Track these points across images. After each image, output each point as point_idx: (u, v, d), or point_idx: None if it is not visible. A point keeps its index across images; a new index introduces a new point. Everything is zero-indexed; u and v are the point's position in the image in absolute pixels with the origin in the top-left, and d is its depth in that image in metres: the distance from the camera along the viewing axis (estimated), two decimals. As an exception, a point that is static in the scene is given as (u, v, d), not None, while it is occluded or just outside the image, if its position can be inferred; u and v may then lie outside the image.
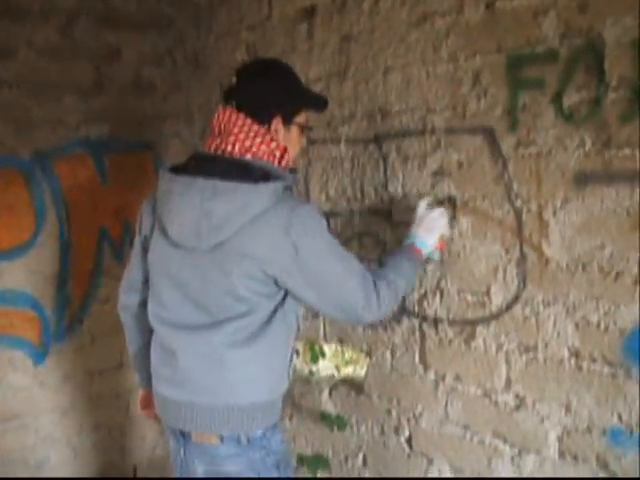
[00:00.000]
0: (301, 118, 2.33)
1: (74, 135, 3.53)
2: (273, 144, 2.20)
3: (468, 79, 2.57)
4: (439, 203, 2.63)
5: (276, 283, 2.18)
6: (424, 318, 2.85)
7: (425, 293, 2.83)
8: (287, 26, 3.29)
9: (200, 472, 2.28)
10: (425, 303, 2.83)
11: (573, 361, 2.43)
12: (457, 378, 2.78)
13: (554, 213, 2.38)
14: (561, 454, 2.51)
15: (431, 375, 2.87)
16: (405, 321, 2.93)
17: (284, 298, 2.26)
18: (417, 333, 2.89)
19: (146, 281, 2.44)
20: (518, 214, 2.48)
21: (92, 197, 3.59)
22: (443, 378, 2.83)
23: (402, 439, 3.04)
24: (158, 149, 3.82)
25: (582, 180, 2.30)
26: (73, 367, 3.62)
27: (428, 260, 2.62)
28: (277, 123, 2.23)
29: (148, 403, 2.66)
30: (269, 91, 2.23)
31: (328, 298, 2.20)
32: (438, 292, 2.79)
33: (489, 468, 2.74)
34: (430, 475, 2.94)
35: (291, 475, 2.40)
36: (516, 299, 2.55)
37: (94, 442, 3.73)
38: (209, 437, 2.23)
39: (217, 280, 2.15)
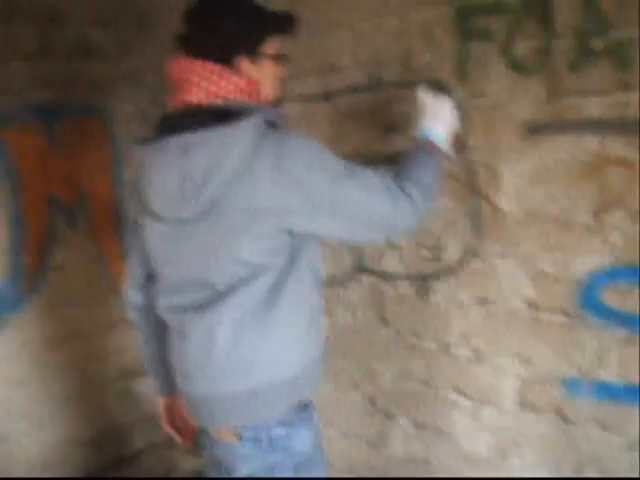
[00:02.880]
0: (269, 48, 1.98)
1: (22, 101, 3.44)
2: (236, 79, 1.89)
3: (417, 32, 2.54)
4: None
5: (291, 233, 1.86)
6: (381, 274, 2.84)
7: (382, 249, 2.81)
8: (235, -17, 3.22)
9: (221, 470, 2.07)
10: (382, 259, 2.82)
11: (529, 313, 2.44)
12: (414, 333, 2.78)
13: (506, 165, 2.37)
14: (519, 405, 2.53)
15: (390, 331, 2.86)
16: (362, 278, 2.92)
17: (297, 249, 1.93)
18: (375, 290, 2.88)
19: (150, 276, 2.16)
20: (471, 167, 2.46)
21: (42, 164, 3.51)
22: (400, 333, 2.83)
23: (363, 396, 3.05)
24: (108, 113, 3.74)
25: (533, 130, 2.30)
26: (30, 337, 3.56)
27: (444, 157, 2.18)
28: (242, 63, 1.91)
29: (172, 415, 2.38)
30: (224, 30, 1.90)
31: (356, 224, 1.89)
32: (395, 248, 2.78)
33: (449, 422, 2.76)
34: (390, 430, 2.96)
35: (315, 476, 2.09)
36: (471, 252, 2.55)
37: (52, 412, 3.68)
38: (226, 434, 1.98)
39: (216, 247, 1.86)
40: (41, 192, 3.52)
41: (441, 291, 2.67)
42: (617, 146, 2.15)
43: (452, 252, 2.60)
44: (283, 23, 2.04)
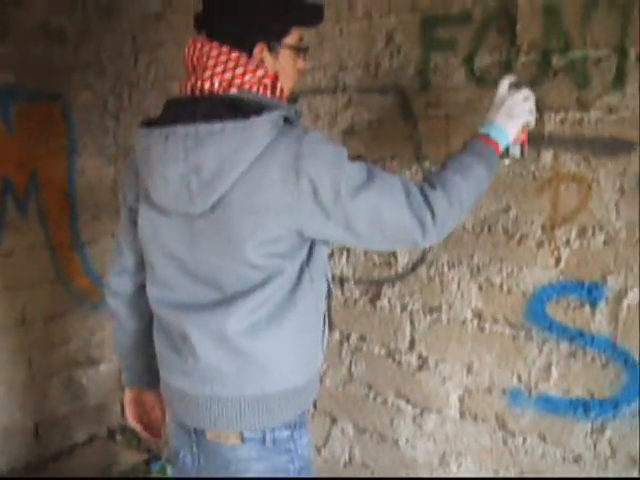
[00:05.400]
0: (292, 39, 1.84)
1: (-23, 82, 3.40)
2: (260, 72, 1.76)
3: (382, 38, 2.55)
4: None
5: (301, 236, 1.76)
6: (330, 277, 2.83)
7: (332, 252, 2.81)
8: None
9: (211, 475, 1.94)
10: (331, 262, 2.82)
11: (476, 322, 2.46)
12: (362, 338, 2.79)
13: (462, 175, 2.39)
14: (462, 414, 2.56)
15: (336, 335, 2.86)
16: (312, 280, 2.92)
17: (309, 255, 1.84)
18: (323, 292, 2.89)
19: (140, 263, 2.03)
20: (426, 175, 2.47)
21: (-5, 147, 3.47)
22: (348, 338, 2.83)
23: (307, 398, 3.05)
24: (67, 99, 3.70)
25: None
26: (-28, 322, 3.51)
27: (507, 156, 2.02)
28: (260, 51, 1.78)
29: (138, 409, 2.25)
30: (245, 13, 1.77)
31: (369, 234, 1.75)
32: (345, 251, 2.79)
33: (391, 427, 2.76)
34: (333, 433, 2.96)
35: None
36: (422, 260, 2.56)
37: (-6, 400, 3.65)
38: (227, 436, 1.87)
39: (224, 248, 1.75)
40: (-8, 175, 3.47)
41: (390, 296, 2.67)
42: (571, 163, 2.19)
43: (402, 259, 2.61)
44: (312, 14, 1.91)
